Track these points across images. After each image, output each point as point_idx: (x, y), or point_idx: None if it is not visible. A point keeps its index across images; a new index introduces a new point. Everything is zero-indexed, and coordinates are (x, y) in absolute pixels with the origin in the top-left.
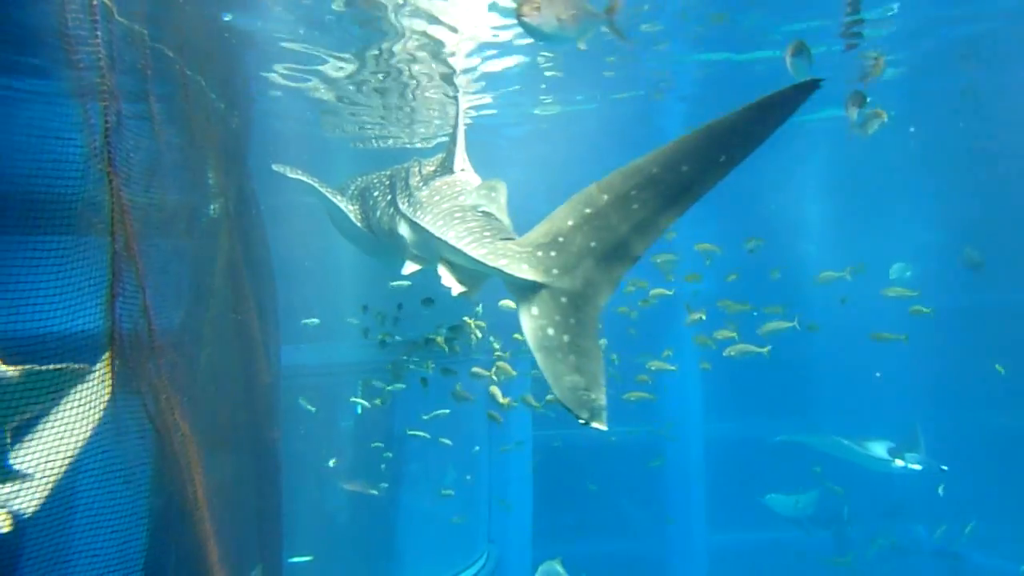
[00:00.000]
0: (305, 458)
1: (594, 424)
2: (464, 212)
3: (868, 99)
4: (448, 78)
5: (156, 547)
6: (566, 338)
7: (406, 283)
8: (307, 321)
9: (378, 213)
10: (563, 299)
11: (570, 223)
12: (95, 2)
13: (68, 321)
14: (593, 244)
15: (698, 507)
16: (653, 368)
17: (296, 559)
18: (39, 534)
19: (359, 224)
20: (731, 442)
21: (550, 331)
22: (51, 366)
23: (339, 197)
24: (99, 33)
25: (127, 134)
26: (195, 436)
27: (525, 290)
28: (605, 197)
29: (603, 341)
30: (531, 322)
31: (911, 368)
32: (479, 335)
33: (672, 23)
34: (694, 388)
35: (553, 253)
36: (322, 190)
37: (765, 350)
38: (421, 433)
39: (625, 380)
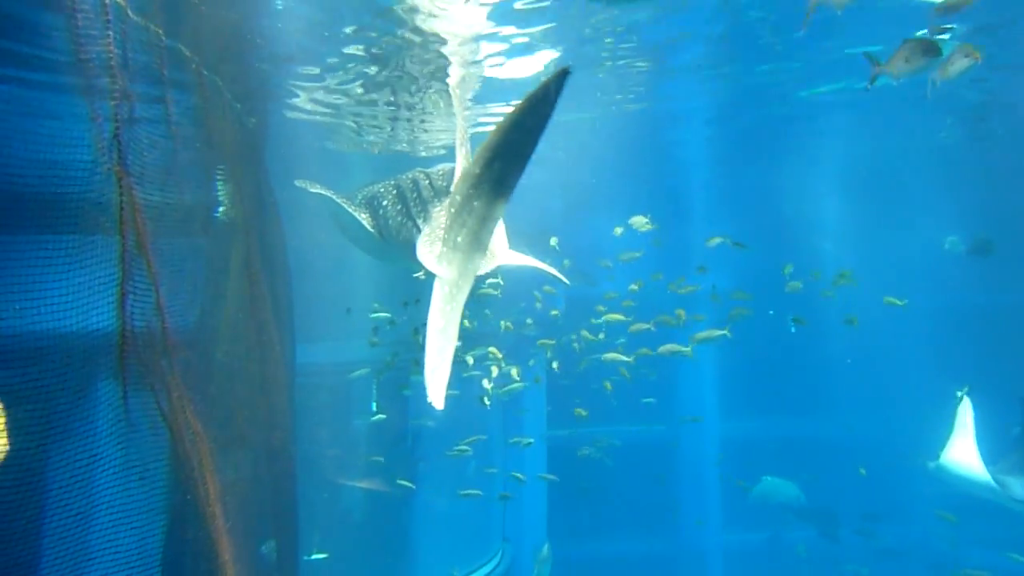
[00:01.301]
0: (320, 456)
1: (433, 403)
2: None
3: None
4: (450, 90)
5: (172, 544)
6: (442, 323)
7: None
8: (376, 315)
9: (389, 222)
10: (445, 288)
11: (443, 222)
12: (108, 1)
13: (81, 319)
14: (458, 239)
15: (713, 506)
16: (609, 359)
17: (312, 556)
18: (59, 530)
19: (372, 232)
20: (746, 441)
21: (437, 317)
22: None
23: (352, 207)
24: (111, 32)
25: (141, 132)
26: (209, 434)
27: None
28: (457, 198)
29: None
30: (431, 307)
31: (930, 365)
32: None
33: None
34: (710, 387)
35: (442, 249)
36: (339, 201)
37: (688, 350)
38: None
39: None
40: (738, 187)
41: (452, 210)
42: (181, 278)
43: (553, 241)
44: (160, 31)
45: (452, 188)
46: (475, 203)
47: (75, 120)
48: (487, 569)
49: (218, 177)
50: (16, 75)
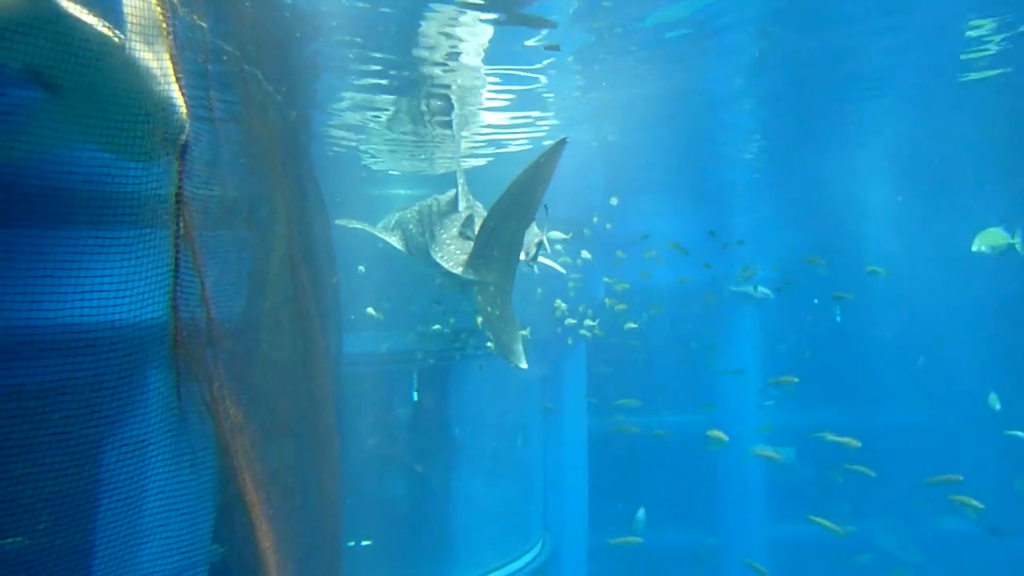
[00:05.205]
0: (363, 445)
1: (521, 364)
2: (454, 241)
3: None
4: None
5: (219, 531)
6: (496, 312)
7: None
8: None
9: (413, 240)
10: (491, 288)
11: (480, 243)
12: None
13: (136, 310)
14: (495, 252)
15: (757, 498)
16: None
17: (356, 543)
18: (110, 516)
19: (402, 250)
20: (790, 431)
21: (488, 308)
22: None
23: (385, 232)
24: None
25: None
26: (252, 424)
27: (472, 284)
28: (490, 223)
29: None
30: (478, 303)
31: (977, 355)
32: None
33: None
34: (752, 377)
35: (475, 261)
36: (373, 231)
37: (595, 324)
38: None
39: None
40: (783, 169)
41: (485, 233)
42: (226, 269)
43: (615, 201)
44: (204, 24)
45: (486, 218)
46: (510, 225)
47: None
48: (528, 557)
49: (260, 168)
50: None
